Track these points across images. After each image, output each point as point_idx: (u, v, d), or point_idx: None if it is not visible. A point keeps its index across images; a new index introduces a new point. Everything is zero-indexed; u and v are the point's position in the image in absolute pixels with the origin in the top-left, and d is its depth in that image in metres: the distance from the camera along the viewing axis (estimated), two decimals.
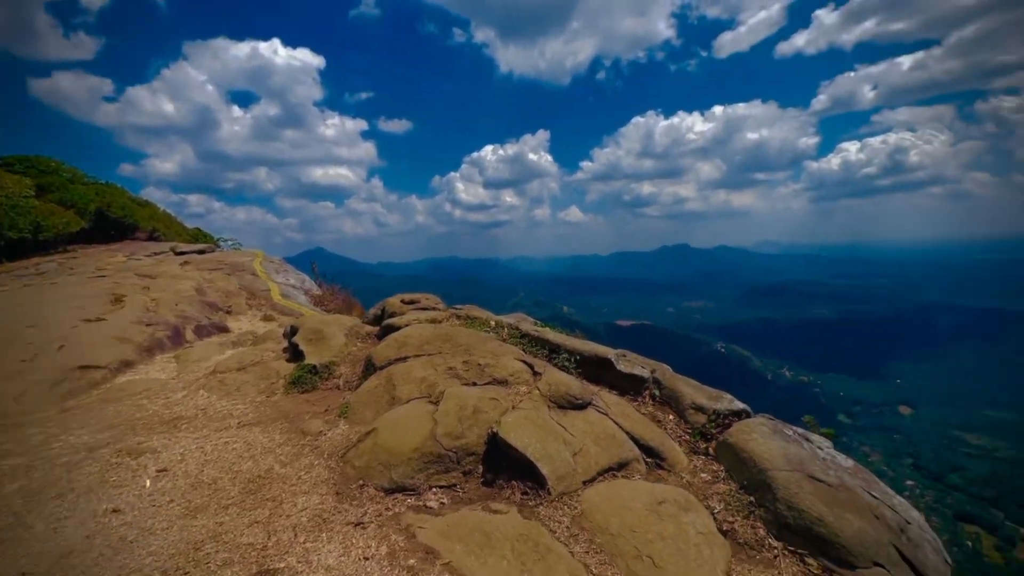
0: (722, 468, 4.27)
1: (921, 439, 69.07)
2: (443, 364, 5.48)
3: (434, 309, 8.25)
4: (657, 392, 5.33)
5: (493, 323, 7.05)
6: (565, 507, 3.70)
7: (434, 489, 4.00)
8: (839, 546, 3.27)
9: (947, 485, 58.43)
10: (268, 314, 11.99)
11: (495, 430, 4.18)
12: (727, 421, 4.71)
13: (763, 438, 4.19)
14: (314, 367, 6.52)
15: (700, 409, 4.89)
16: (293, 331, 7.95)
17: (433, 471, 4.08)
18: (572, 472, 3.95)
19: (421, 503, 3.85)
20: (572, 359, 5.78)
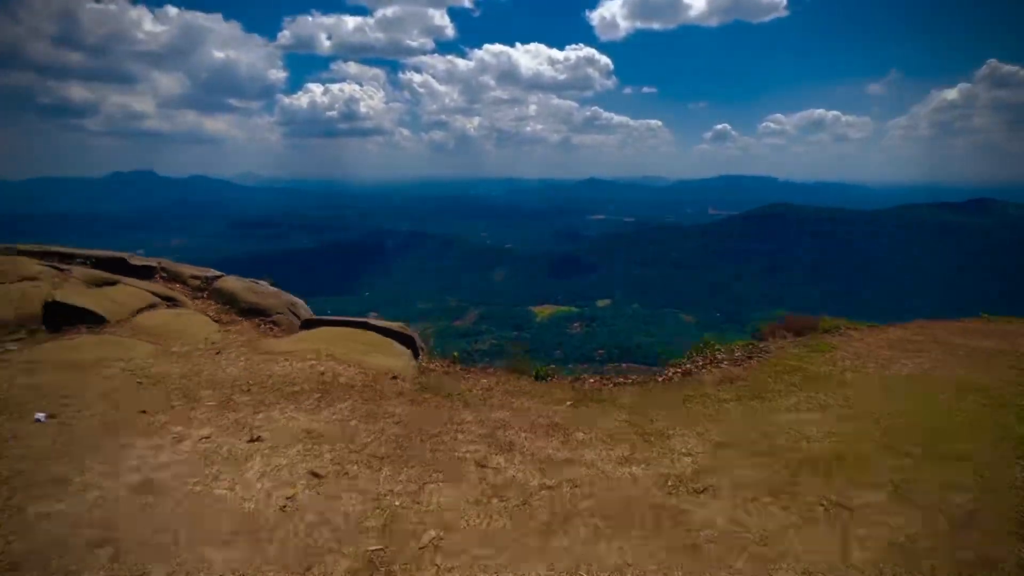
0: (212, 300, 8.50)
1: None
2: None
3: None
4: (165, 274, 8.81)
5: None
6: (123, 326, 6.96)
7: (10, 342, 6.22)
8: (264, 309, 8.27)
9: None
10: None
11: (55, 299, 6.71)
12: (213, 281, 8.91)
13: (232, 282, 8.69)
14: None
15: (196, 278, 8.85)
16: None
17: (5, 334, 6.24)
18: (120, 311, 7.15)
19: (2, 350, 6.08)
20: (89, 261, 8.27)
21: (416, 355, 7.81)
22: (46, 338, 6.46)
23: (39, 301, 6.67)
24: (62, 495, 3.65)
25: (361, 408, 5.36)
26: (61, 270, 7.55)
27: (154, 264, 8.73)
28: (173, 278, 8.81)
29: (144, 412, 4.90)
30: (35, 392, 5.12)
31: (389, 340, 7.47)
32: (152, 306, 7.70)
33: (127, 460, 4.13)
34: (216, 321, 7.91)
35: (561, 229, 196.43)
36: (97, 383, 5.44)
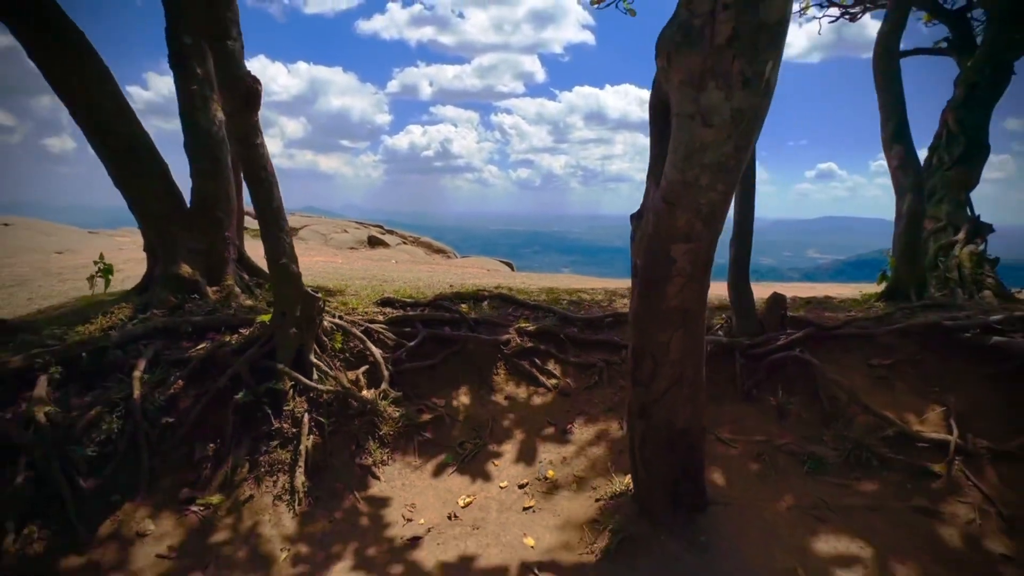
0: (420, 247, 18.87)
1: None
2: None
3: None
4: (406, 238, 19.41)
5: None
6: (392, 248, 17.42)
7: (360, 248, 16.81)
8: (444, 250, 18.44)
9: None
10: None
11: (371, 234, 17.39)
12: (419, 239, 19.34)
13: (428, 241, 19.08)
14: None
15: (415, 239, 19.34)
16: None
17: (361, 246, 16.88)
18: (392, 241, 17.65)
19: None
20: (406, 239, 19.06)
21: (512, 268, 17.49)
22: (370, 247, 16.99)
23: (366, 236, 17.29)
24: (386, 270, 13.65)
25: (462, 269, 15.11)
26: (364, 225, 18.28)
27: (407, 234, 19.38)
28: (411, 241, 19.33)
29: (394, 262, 15.00)
30: (388, 256, 15.48)
31: (501, 263, 17.19)
32: (404, 244, 18.17)
33: (393, 266, 14.12)
34: (428, 253, 18.17)
35: None
36: (391, 255, 15.69)
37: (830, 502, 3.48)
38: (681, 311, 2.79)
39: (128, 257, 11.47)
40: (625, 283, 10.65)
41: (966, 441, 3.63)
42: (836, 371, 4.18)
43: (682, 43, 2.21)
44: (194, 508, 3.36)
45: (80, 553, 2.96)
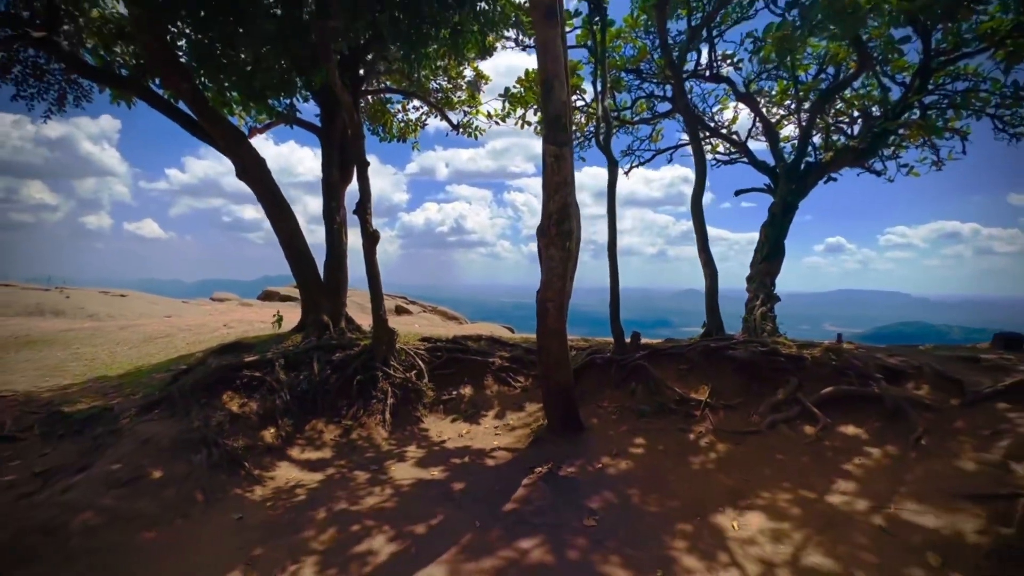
0: (438, 315, 23.08)
1: None
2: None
3: None
4: (426, 307, 23.72)
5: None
6: (415, 315, 21.61)
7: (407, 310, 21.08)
8: (457, 317, 22.59)
9: None
10: None
11: (398, 304, 21.71)
12: (437, 307, 23.61)
13: (444, 310, 23.35)
14: None
15: (433, 308, 23.63)
16: None
17: (394, 312, 21.20)
18: (414, 310, 21.89)
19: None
20: (427, 308, 23.44)
21: (512, 332, 21.51)
22: (397, 314, 21.21)
23: (394, 305, 21.59)
24: (412, 330, 17.75)
25: (471, 330, 19.13)
26: (392, 297, 22.63)
27: (426, 304, 23.73)
28: (429, 310, 23.61)
29: (417, 326, 19.10)
30: (412, 321, 19.65)
31: (503, 328, 21.24)
32: (424, 312, 22.41)
33: (418, 328, 18.19)
34: (443, 319, 22.30)
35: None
36: (414, 320, 19.83)
37: (643, 428, 7.28)
38: (555, 330, 6.82)
39: (218, 319, 15.88)
40: (587, 337, 14.86)
41: (713, 400, 7.47)
42: (660, 371, 8.09)
43: (541, 233, 6.46)
44: (341, 424, 7.30)
45: (302, 435, 6.91)
